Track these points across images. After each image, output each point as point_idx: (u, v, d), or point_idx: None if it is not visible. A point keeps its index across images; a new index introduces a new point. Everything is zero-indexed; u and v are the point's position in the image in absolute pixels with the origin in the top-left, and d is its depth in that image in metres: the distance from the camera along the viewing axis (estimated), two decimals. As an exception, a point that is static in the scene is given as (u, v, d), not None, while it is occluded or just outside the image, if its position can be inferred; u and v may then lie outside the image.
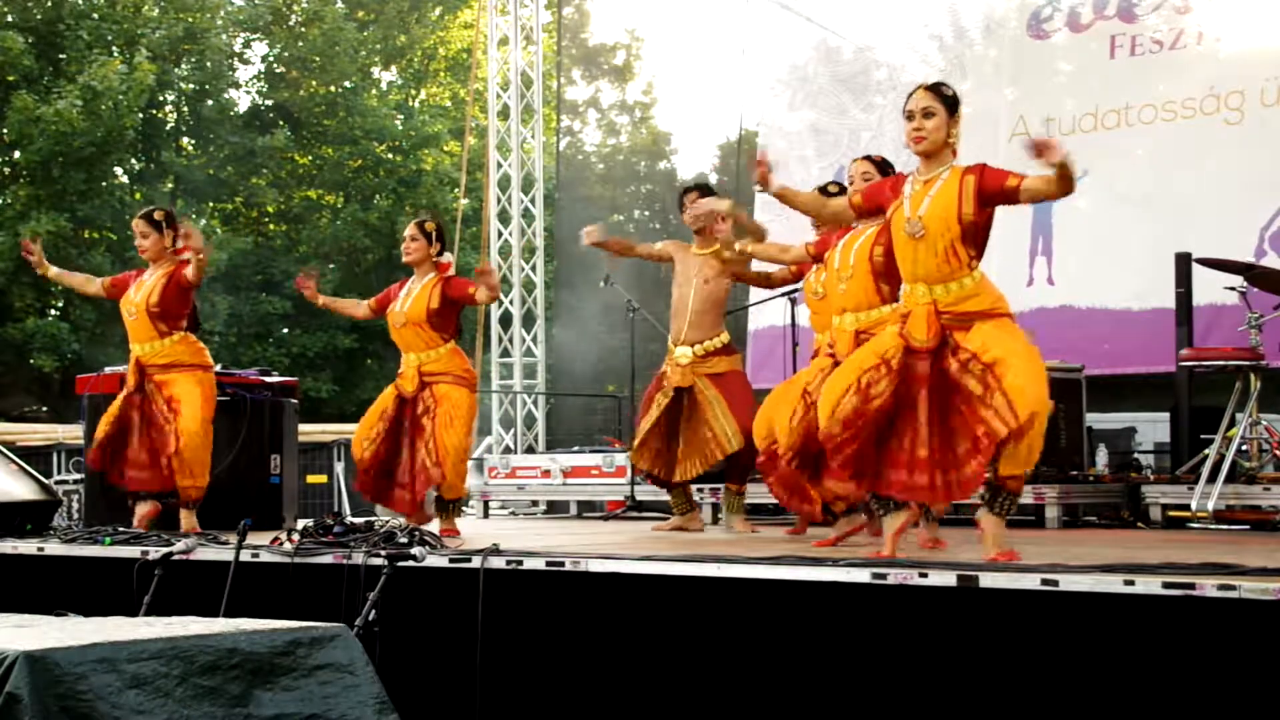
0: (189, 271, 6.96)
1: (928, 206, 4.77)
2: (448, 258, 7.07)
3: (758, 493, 7.92)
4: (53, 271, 7.47)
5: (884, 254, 5.62)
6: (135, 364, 7.05)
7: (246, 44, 23.55)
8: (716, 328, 7.09)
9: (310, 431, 13.05)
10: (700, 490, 8.43)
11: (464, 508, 7.25)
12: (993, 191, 4.72)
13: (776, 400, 6.46)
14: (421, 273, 7.01)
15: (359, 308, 7.38)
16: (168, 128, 22.52)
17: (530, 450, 12.91)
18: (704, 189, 7.25)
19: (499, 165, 13.51)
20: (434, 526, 6.96)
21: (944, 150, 4.84)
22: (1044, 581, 4.11)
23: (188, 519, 6.95)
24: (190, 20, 21.48)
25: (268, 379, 8.10)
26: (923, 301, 4.79)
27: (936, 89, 4.87)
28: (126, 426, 7.03)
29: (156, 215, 7.15)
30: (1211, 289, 7.98)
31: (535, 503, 10.72)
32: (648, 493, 9.40)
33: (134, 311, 7.06)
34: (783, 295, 8.48)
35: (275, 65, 23.40)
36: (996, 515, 4.73)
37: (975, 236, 4.77)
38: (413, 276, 7.06)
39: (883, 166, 5.97)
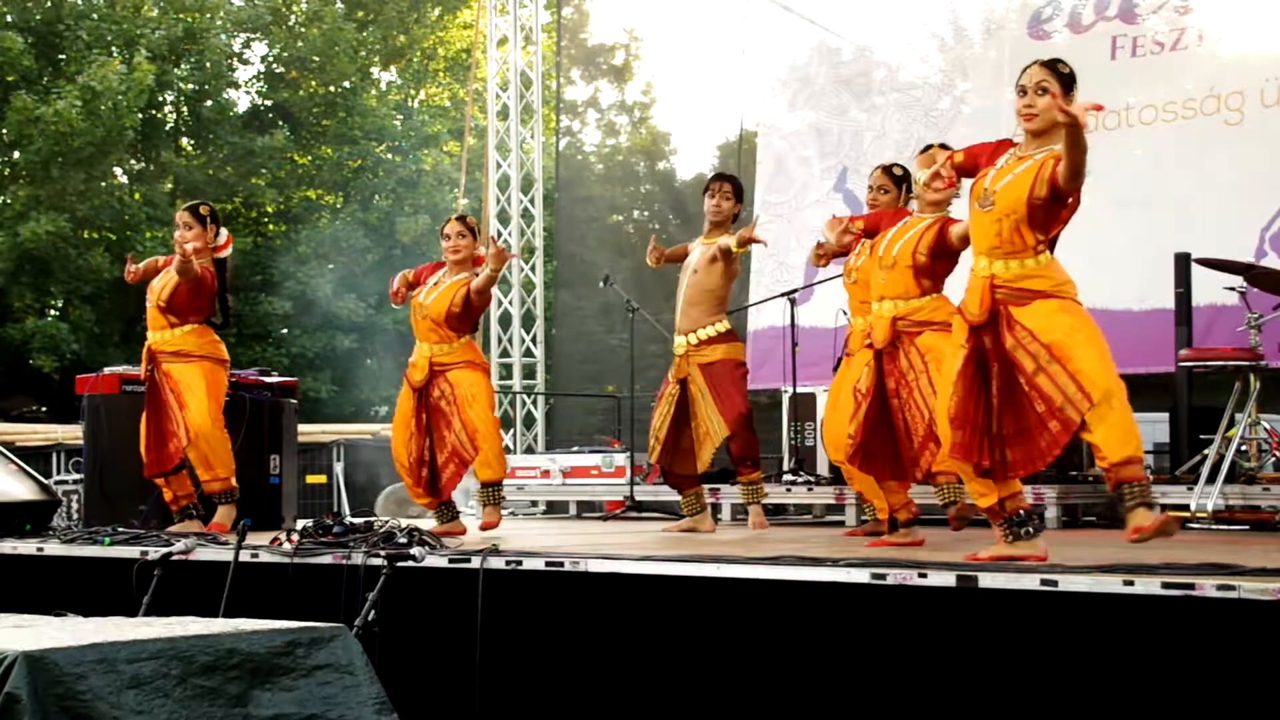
0: (175, 266, 6.92)
1: (1007, 181, 4.66)
2: (483, 251, 7.05)
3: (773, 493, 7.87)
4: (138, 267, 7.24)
5: (927, 254, 5.63)
6: (146, 351, 7.05)
7: (246, 44, 23.53)
8: (712, 315, 6.93)
9: (310, 432, 13.05)
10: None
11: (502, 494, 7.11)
12: (1051, 175, 4.58)
13: (833, 408, 6.48)
14: (455, 270, 6.98)
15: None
16: (167, 128, 22.50)
17: (529, 450, 12.91)
18: (729, 179, 7.11)
19: (498, 165, 13.51)
20: (473, 523, 6.96)
21: (1055, 129, 4.63)
22: (1043, 582, 4.11)
23: (222, 513, 6.93)
24: (190, 20, 21.46)
25: (267, 379, 8.10)
26: (981, 274, 4.72)
27: (1053, 65, 4.70)
28: (146, 416, 7.00)
29: (202, 210, 7.11)
30: (1211, 289, 7.98)
31: (534, 503, 10.72)
32: (647, 493, 9.40)
33: (150, 300, 7.06)
34: (782, 296, 8.49)
35: (275, 65, 23.38)
36: (1134, 508, 4.50)
37: (1045, 221, 4.64)
38: (444, 268, 7.03)
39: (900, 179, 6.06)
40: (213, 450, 6.93)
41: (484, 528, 6.84)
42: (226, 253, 7.18)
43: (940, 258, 5.67)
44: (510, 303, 13.40)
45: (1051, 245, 4.75)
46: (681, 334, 6.95)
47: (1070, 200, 4.66)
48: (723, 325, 6.95)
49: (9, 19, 20.33)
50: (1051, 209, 4.65)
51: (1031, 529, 4.76)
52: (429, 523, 6.94)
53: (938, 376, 5.35)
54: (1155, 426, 9.16)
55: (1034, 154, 4.71)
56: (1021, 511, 4.77)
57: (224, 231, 7.18)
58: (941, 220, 5.69)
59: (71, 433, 11.97)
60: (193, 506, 7.05)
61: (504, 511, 7.16)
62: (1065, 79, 4.68)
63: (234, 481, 7.01)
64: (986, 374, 4.71)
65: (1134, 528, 4.50)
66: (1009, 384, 4.65)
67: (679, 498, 8.08)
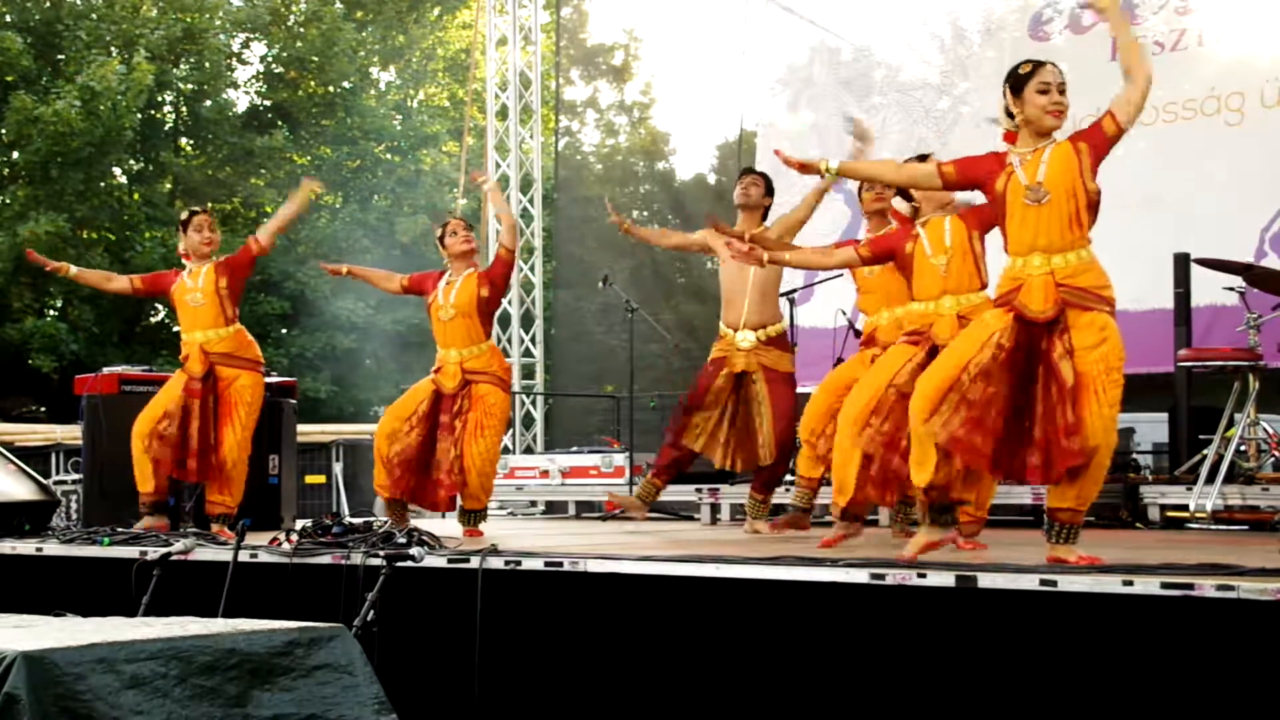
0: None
1: (1046, 173, 4.68)
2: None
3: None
4: (73, 271, 7.46)
5: (982, 241, 5.61)
6: (200, 352, 7.01)
7: (245, 44, 23.53)
8: (775, 313, 6.97)
9: (309, 432, 13.03)
10: (699, 490, 8.44)
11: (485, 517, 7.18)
12: (1101, 142, 4.69)
13: (829, 395, 6.38)
14: (461, 267, 7.01)
15: (390, 281, 7.31)
16: (166, 128, 22.49)
17: (529, 450, 12.91)
18: (762, 174, 7.15)
19: (497, 165, 13.51)
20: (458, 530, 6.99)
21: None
22: (1042, 582, 4.11)
23: (215, 528, 6.94)
24: (189, 20, 21.45)
25: (266, 379, 8.09)
26: (1040, 271, 4.68)
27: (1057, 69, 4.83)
28: (187, 417, 6.97)
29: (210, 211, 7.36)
30: (1211, 290, 7.97)
31: (533, 503, 10.72)
32: (646, 493, 9.38)
33: (201, 298, 7.06)
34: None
35: (274, 65, 23.38)
36: (1058, 544, 4.62)
37: (1093, 207, 4.71)
38: (449, 272, 7.05)
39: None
40: (232, 481, 7.00)
41: (469, 534, 6.87)
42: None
43: (982, 244, 5.67)
44: (510, 303, 13.40)
45: None
46: (749, 328, 6.86)
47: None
48: (783, 326, 7.02)
49: (8, 19, 20.32)
50: (1098, 194, 4.72)
51: (951, 517, 4.88)
52: (428, 523, 6.96)
53: None
54: (1155, 426, 9.16)
55: (1044, 145, 4.75)
56: (942, 501, 4.82)
57: None
58: (961, 212, 5.72)
59: (71, 433, 11.95)
60: (163, 504, 7.05)
61: (503, 511, 7.18)
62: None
63: (236, 508, 7.05)
64: (1023, 377, 4.67)
65: (1056, 557, 4.58)
66: (1047, 388, 4.63)
67: (678, 498, 8.10)
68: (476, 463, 6.80)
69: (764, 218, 7.03)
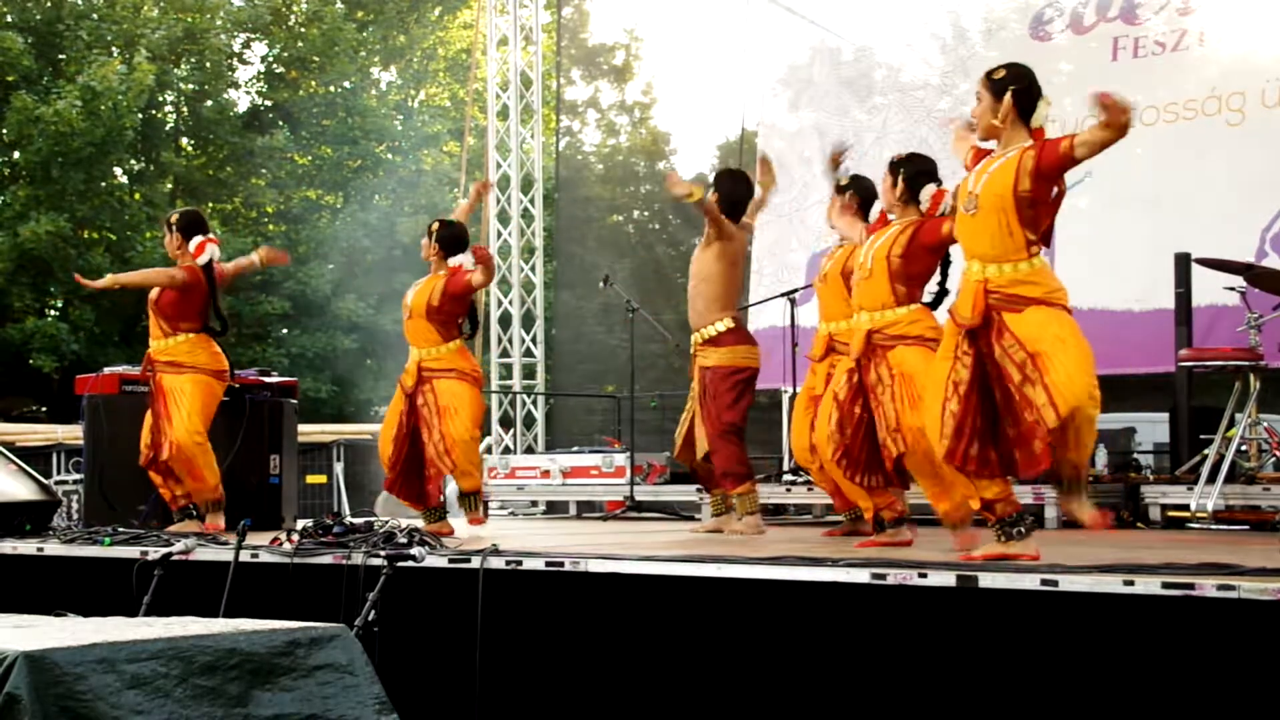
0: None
1: (985, 182, 4.72)
2: (457, 261, 7.03)
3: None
4: (120, 278, 7.75)
5: (900, 256, 5.59)
6: (146, 357, 7.15)
7: (246, 44, 23.52)
8: (715, 312, 6.78)
9: (310, 432, 13.03)
10: (699, 490, 8.44)
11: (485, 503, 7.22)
12: (1051, 162, 4.63)
13: (802, 415, 6.50)
14: (433, 270, 7.11)
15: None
16: (167, 128, 22.48)
17: (529, 450, 12.91)
18: (727, 174, 7.17)
19: (498, 165, 13.51)
20: (460, 523, 7.01)
21: (1009, 130, 4.78)
22: (1043, 582, 4.12)
23: (211, 519, 6.99)
24: (190, 20, 21.44)
25: (267, 379, 8.10)
26: (974, 279, 4.74)
27: (988, 76, 4.86)
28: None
29: (172, 219, 7.29)
30: (1211, 289, 7.97)
31: (534, 503, 10.72)
32: (647, 493, 9.41)
33: (147, 309, 7.18)
34: (782, 296, 8.49)
35: (275, 65, 23.38)
36: (1069, 493, 4.75)
37: (1035, 218, 4.69)
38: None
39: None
40: (194, 464, 6.98)
41: (473, 522, 6.98)
42: (202, 259, 7.15)
43: (914, 259, 5.61)
44: (510, 303, 13.40)
45: (1047, 239, 4.76)
46: (694, 330, 6.90)
47: (1057, 191, 4.71)
48: (724, 323, 6.75)
49: (9, 19, 20.32)
50: (1037, 203, 4.69)
51: (1024, 529, 4.80)
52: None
53: (904, 390, 5.43)
54: (1155, 426, 9.17)
55: (1004, 152, 4.78)
56: (1013, 512, 4.81)
57: (196, 239, 7.17)
58: (916, 222, 5.68)
59: (71, 433, 11.95)
60: (193, 506, 7.08)
61: (504, 511, 7.19)
62: (996, 85, 4.82)
63: (220, 490, 7.06)
64: (986, 380, 4.73)
65: (1068, 508, 4.80)
66: (1005, 389, 4.68)
67: (678, 498, 8.12)
68: (459, 438, 6.82)
69: (729, 211, 6.87)
